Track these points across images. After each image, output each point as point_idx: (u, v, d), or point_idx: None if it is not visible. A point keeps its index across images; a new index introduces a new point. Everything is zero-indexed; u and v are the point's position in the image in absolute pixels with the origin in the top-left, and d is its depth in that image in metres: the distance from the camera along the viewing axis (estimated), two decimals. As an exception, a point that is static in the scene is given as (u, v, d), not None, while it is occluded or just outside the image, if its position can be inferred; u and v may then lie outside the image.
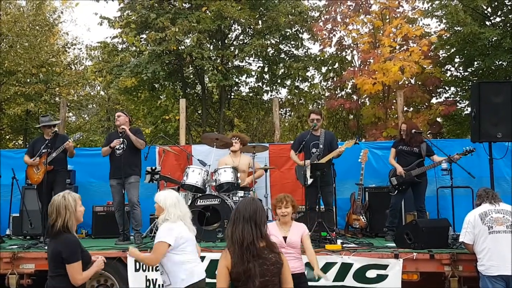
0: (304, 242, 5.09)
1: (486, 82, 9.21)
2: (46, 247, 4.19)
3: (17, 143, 20.03)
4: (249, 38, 15.91)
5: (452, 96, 15.27)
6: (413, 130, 7.55)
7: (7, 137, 19.35)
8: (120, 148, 7.52)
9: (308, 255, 5.04)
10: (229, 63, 15.59)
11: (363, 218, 7.99)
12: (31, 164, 7.62)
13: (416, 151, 7.54)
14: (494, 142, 6.95)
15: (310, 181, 7.15)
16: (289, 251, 4.90)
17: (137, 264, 6.40)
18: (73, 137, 7.52)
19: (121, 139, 7.52)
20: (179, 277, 4.43)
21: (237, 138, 8.57)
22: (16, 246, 7.07)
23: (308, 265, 5.20)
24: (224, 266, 3.52)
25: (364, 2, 13.78)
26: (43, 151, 7.51)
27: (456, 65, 14.98)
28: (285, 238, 5.01)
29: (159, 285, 6.32)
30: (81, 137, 7.59)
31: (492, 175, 6.89)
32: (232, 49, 15.66)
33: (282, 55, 16.16)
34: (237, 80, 16.37)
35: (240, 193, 7.98)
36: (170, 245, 4.39)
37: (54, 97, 17.49)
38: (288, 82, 16.54)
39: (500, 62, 13.58)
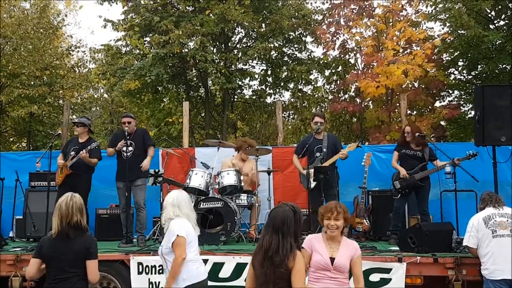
0: (354, 267, 4.20)
1: (490, 85, 9.22)
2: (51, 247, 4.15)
3: (20, 146, 20.06)
4: (253, 41, 15.93)
5: (456, 99, 15.25)
6: (417, 134, 7.54)
7: (11, 139, 19.37)
8: (128, 150, 7.54)
9: (356, 283, 4.22)
10: (233, 66, 15.61)
11: (366, 221, 7.97)
12: (59, 165, 7.69)
13: (419, 155, 7.54)
14: (498, 145, 6.93)
15: (313, 184, 7.17)
16: (335, 276, 4.13)
17: (140, 267, 6.40)
18: (90, 146, 7.53)
19: (128, 142, 7.55)
20: (180, 277, 4.44)
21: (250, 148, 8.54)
22: (19, 249, 7.07)
23: None
24: (251, 265, 3.83)
25: (367, 6, 13.78)
26: (71, 153, 7.57)
27: (460, 68, 14.95)
28: (332, 259, 4.16)
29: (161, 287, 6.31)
30: (97, 146, 7.61)
31: (496, 179, 6.88)
32: (235, 52, 15.67)
33: (286, 58, 16.19)
34: (240, 83, 16.38)
35: (243, 196, 7.98)
36: (185, 238, 4.43)
37: (58, 100, 17.53)
38: (291, 85, 16.55)
39: (504, 66, 13.55)
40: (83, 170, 7.64)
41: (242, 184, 7.90)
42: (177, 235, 4.42)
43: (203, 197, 7.55)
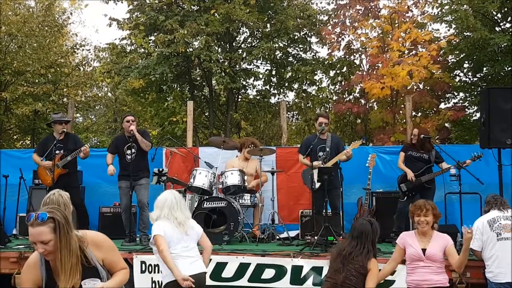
0: (449, 255, 4.84)
1: (496, 88, 9.18)
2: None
3: (24, 143, 20.08)
4: (257, 41, 15.90)
5: (461, 101, 15.19)
6: (422, 136, 7.53)
7: (15, 137, 19.39)
8: (130, 153, 7.54)
9: (454, 263, 4.86)
10: (237, 66, 15.59)
11: (370, 223, 7.93)
12: (42, 165, 7.64)
13: (426, 157, 7.52)
14: (503, 148, 6.91)
15: (317, 185, 7.15)
16: (428, 265, 4.78)
17: (143, 265, 6.41)
18: (90, 142, 7.56)
19: (130, 144, 7.57)
20: (163, 273, 4.71)
21: (254, 146, 8.53)
22: (23, 246, 7.07)
23: None
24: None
25: (373, 6, 13.75)
26: (56, 152, 7.53)
27: (465, 70, 14.89)
28: (424, 250, 4.80)
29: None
30: (98, 143, 7.67)
31: (501, 182, 6.86)
32: (240, 52, 15.65)
33: (290, 59, 16.12)
34: (244, 83, 16.36)
35: (247, 196, 7.97)
36: (161, 235, 4.63)
37: (62, 98, 17.52)
38: (296, 86, 16.51)
39: (509, 69, 13.49)
40: (73, 168, 7.75)
41: (246, 184, 7.89)
42: (154, 236, 4.67)
43: (207, 197, 7.54)
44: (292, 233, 7.99)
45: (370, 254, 4.49)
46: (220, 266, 6.30)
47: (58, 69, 16.80)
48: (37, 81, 15.62)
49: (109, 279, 3.18)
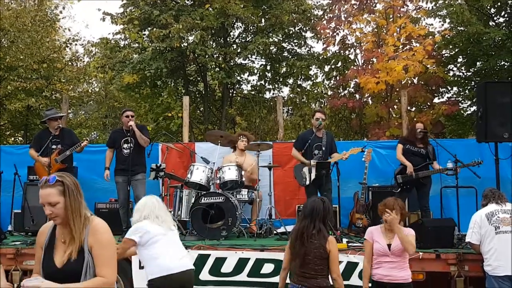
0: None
1: (493, 82, 9.20)
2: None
3: (17, 139, 19.94)
4: (252, 36, 15.85)
5: (455, 96, 15.24)
6: (419, 130, 7.57)
7: (7, 133, 19.25)
8: (128, 147, 7.53)
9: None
10: (232, 61, 15.55)
11: (366, 217, 7.96)
12: (40, 161, 7.59)
13: (423, 152, 7.57)
14: (500, 142, 6.94)
15: (307, 182, 7.26)
16: (393, 260, 4.86)
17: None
18: (90, 137, 7.56)
19: (127, 138, 7.57)
20: (149, 271, 4.72)
21: (244, 137, 8.55)
22: (19, 242, 7.02)
23: None
24: (287, 248, 4.65)
25: (368, 1, 13.74)
26: (53, 147, 7.48)
27: (459, 65, 14.94)
28: (389, 245, 4.89)
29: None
30: (97, 137, 7.66)
31: (498, 175, 6.87)
32: (235, 47, 15.60)
33: (285, 54, 16.11)
34: (239, 78, 16.32)
35: (244, 191, 7.96)
36: (135, 241, 4.71)
37: (55, 93, 17.40)
38: (291, 81, 16.49)
39: (502, 63, 13.54)
40: (70, 163, 7.78)
41: (243, 179, 7.88)
42: (125, 238, 4.78)
43: (204, 192, 7.52)
44: (290, 228, 7.97)
45: (324, 233, 4.44)
46: (219, 261, 6.28)
47: (50, 64, 16.67)
48: (29, 76, 15.46)
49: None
